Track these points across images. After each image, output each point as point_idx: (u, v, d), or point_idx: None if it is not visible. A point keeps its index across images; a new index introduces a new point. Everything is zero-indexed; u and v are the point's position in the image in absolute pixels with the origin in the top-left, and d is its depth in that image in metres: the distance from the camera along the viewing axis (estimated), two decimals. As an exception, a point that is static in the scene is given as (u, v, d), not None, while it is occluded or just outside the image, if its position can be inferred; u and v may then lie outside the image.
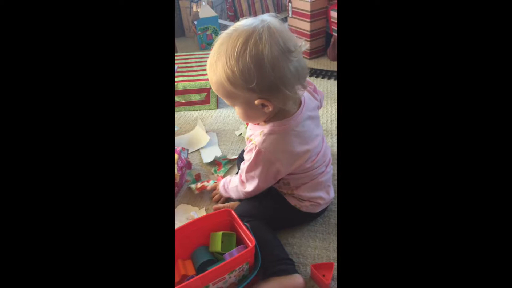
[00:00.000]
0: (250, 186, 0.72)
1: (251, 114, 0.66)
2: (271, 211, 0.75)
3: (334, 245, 0.75)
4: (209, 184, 0.90)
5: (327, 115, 1.21)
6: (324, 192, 0.76)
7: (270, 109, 0.62)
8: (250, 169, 0.70)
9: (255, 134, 0.70)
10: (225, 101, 0.65)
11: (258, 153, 0.66)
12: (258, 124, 0.71)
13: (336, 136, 1.10)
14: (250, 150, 0.69)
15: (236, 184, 0.77)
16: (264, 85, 0.58)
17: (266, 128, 0.67)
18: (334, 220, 0.81)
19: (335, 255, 0.73)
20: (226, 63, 0.57)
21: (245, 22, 0.59)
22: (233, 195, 0.80)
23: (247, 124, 1.16)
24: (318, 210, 0.77)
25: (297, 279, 0.65)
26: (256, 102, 0.61)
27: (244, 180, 0.73)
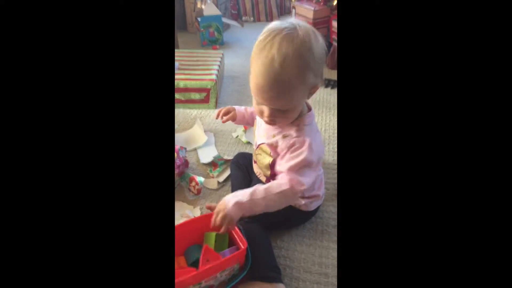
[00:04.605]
0: (309, 180, 0.70)
1: (298, 109, 0.69)
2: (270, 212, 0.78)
3: (319, 250, 0.80)
4: (199, 181, 0.93)
5: (321, 124, 1.26)
6: (321, 188, 0.82)
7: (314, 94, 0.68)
8: (305, 162, 0.68)
9: (273, 137, 0.73)
10: (283, 99, 0.64)
11: (309, 143, 0.69)
12: (278, 126, 0.73)
13: (328, 145, 1.15)
14: (291, 147, 0.70)
15: (281, 190, 0.67)
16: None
17: (296, 123, 0.71)
18: (321, 226, 0.85)
19: (320, 260, 0.77)
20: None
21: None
22: (276, 204, 0.69)
23: (245, 128, 1.20)
24: (314, 207, 0.83)
25: None
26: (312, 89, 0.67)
27: (299, 177, 0.68)
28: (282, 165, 0.71)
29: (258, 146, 0.80)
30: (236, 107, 0.91)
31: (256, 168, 0.85)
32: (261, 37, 0.63)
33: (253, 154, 0.85)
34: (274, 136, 0.74)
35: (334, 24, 1.61)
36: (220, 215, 0.66)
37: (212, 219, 0.67)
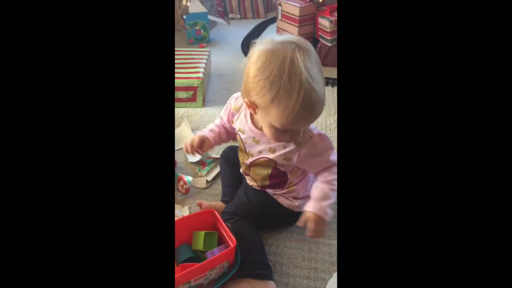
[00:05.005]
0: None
1: None
2: (261, 211, 0.79)
3: (309, 245, 0.80)
4: (187, 180, 0.91)
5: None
6: None
7: None
8: (332, 146, 0.72)
9: (284, 148, 0.71)
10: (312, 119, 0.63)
11: (321, 132, 0.72)
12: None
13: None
14: (313, 147, 0.70)
15: (333, 177, 0.72)
16: None
17: None
18: (310, 222, 0.86)
19: (309, 255, 0.78)
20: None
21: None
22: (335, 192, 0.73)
23: None
24: None
25: (270, 285, 0.68)
26: None
27: (335, 163, 0.73)
28: (324, 162, 0.72)
29: (252, 163, 0.77)
30: (201, 133, 0.84)
31: (250, 181, 0.83)
32: (268, 70, 0.57)
33: (244, 169, 0.83)
34: (284, 147, 0.71)
35: (320, 21, 1.62)
36: (322, 226, 0.69)
37: (317, 233, 0.69)
